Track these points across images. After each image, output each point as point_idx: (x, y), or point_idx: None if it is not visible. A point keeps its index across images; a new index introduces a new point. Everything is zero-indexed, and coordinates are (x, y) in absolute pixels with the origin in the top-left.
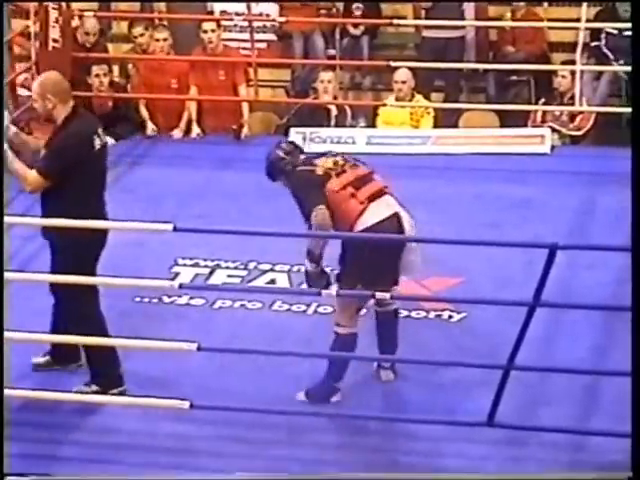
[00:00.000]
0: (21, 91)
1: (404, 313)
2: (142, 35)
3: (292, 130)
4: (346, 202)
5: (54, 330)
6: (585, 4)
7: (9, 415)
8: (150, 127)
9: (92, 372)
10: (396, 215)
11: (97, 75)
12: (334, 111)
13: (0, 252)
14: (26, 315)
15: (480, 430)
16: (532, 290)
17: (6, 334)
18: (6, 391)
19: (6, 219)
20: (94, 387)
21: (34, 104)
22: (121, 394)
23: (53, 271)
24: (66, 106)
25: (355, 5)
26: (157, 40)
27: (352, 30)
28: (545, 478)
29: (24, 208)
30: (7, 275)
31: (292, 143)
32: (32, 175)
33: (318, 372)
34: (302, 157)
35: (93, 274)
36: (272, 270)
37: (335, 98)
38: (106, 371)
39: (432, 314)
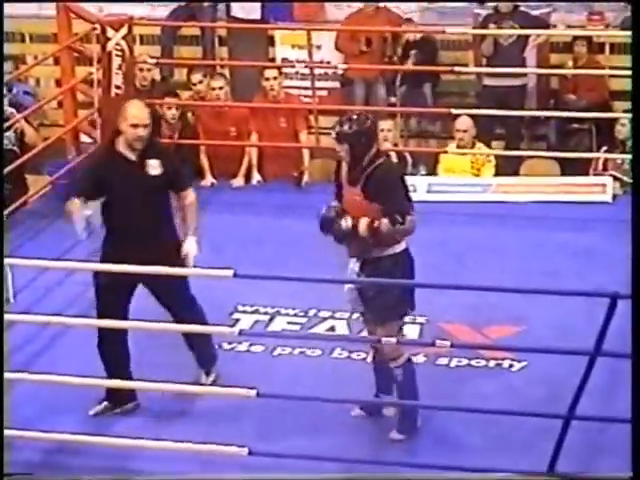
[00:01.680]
0: (84, 138)
1: (464, 362)
2: (200, 82)
3: None
4: None
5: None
6: None
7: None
8: (209, 179)
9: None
10: None
11: (169, 108)
12: (394, 158)
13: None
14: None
15: None
16: (593, 339)
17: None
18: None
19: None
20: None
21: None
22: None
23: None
24: None
25: (412, 52)
26: (213, 89)
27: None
28: (544, 478)
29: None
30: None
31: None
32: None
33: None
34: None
35: None
36: (332, 317)
37: (395, 146)
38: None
39: (492, 363)
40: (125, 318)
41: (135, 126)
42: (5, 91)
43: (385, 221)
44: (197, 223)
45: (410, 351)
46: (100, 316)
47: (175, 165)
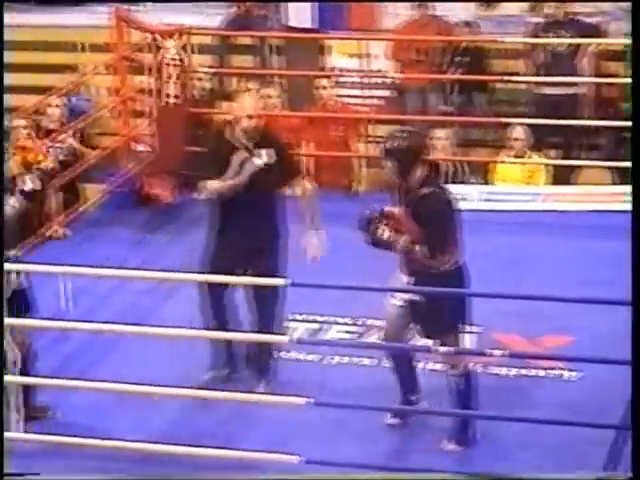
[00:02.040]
0: (138, 147)
1: (517, 371)
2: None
3: None
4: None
5: None
6: None
7: None
8: None
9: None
10: None
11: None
12: (447, 167)
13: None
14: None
15: None
16: None
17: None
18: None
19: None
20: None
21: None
22: None
23: None
24: None
25: (459, 59)
26: (269, 97)
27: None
28: (545, 478)
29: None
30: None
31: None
32: None
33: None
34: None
35: None
36: None
37: (449, 155)
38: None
39: (545, 372)
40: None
41: (250, 117)
42: (63, 100)
43: (424, 250)
44: (313, 213)
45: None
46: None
47: (288, 155)
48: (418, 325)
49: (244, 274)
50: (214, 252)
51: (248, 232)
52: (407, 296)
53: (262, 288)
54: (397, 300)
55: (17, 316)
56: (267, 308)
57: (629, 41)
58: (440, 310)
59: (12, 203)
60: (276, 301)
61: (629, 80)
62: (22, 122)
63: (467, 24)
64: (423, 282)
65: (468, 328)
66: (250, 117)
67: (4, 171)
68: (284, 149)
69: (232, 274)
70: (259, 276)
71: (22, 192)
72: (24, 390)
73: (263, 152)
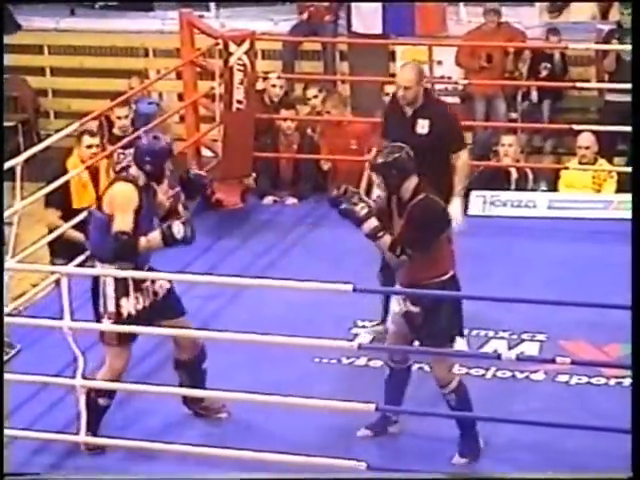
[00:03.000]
0: (205, 152)
1: (584, 379)
2: (315, 97)
3: (473, 193)
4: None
5: None
6: None
7: None
8: (331, 190)
9: None
10: None
11: (284, 120)
12: (514, 174)
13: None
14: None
15: None
16: None
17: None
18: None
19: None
20: None
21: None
22: None
23: None
24: None
25: (543, 65)
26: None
27: (533, 95)
28: (545, 478)
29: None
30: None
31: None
32: None
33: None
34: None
35: None
36: None
37: (516, 161)
38: None
39: (613, 381)
40: None
41: (402, 88)
42: (132, 107)
43: (387, 238)
44: (464, 184)
45: (529, 368)
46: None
47: (448, 127)
48: (414, 336)
49: None
50: None
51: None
52: (403, 307)
53: None
54: (397, 308)
55: None
56: None
57: None
58: (435, 322)
59: None
60: None
61: None
62: (93, 140)
63: (553, 32)
64: (417, 294)
65: (533, 336)
66: (406, 88)
67: (4, 167)
68: (446, 119)
69: None
70: None
71: None
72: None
73: (423, 122)
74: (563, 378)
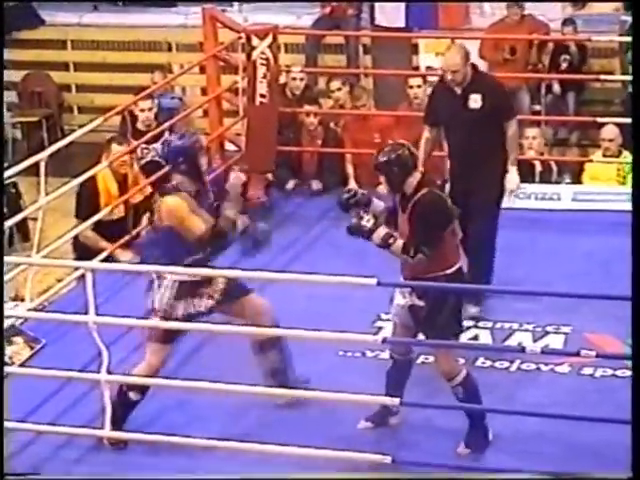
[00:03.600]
0: (229, 146)
1: (609, 372)
2: (339, 90)
3: None
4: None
5: None
6: None
7: None
8: (352, 184)
9: None
10: None
11: (308, 115)
12: (539, 167)
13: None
14: None
15: None
16: None
17: None
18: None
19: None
20: None
21: (456, 75)
22: None
23: None
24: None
25: (562, 57)
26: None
27: (555, 87)
28: (545, 478)
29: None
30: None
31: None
32: None
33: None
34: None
35: None
36: (475, 326)
37: (540, 154)
38: None
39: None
40: None
41: (450, 72)
42: (155, 102)
43: (399, 243)
44: (517, 153)
45: (553, 361)
46: None
47: (499, 98)
48: (418, 328)
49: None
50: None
51: (466, 174)
52: (408, 300)
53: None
54: (401, 301)
55: None
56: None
57: None
58: (439, 316)
59: None
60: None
61: None
62: (121, 148)
63: (567, 22)
64: (424, 288)
65: (558, 328)
66: (454, 72)
67: (4, 170)
68: (496, 92)
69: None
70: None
71: None
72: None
73: (475, 97)
74: (588, 371)
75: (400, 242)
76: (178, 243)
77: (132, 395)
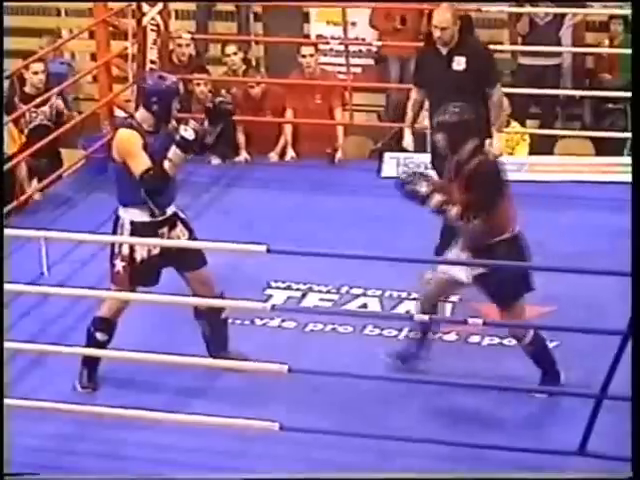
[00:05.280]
0: (118, 112)
1: (496, 340)
2: (235, 54)
3: (386, 155)
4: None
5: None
6: None
7: None
8: (244, 155)
9: None
10: None
11: (198, 84)
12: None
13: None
14: None
15: (571, 459)
16: (625, 320)
17: None
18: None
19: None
20: None
21: (445, 33)
22: None
23: None
24: None
25: None
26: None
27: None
28: (545, 478)
29: None
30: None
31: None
32: None
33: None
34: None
35: None
36: (364, 295)
37: None
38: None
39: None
40: None
41: (439, 29)
42: (44, 66)
43: (454, 210)
44: (501, 119)
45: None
46: None
47: (484, 62)
48: (488, 297)
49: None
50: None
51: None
52: (470, 272)
53: None
54: (462, 277)
55: None
56: None
57: (608, 11)
58: (506, 279)
59: None
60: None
61: (609, 50)
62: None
63: None
64: (483, 254)
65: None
66: (443, 29)
67: (4, 171)
68: (481, 57)
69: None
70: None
71: None
72: None
73: (459, 59)
74: (475, 339)
75: (455, 209)
76: (127, 177)
77: (99, 336)
